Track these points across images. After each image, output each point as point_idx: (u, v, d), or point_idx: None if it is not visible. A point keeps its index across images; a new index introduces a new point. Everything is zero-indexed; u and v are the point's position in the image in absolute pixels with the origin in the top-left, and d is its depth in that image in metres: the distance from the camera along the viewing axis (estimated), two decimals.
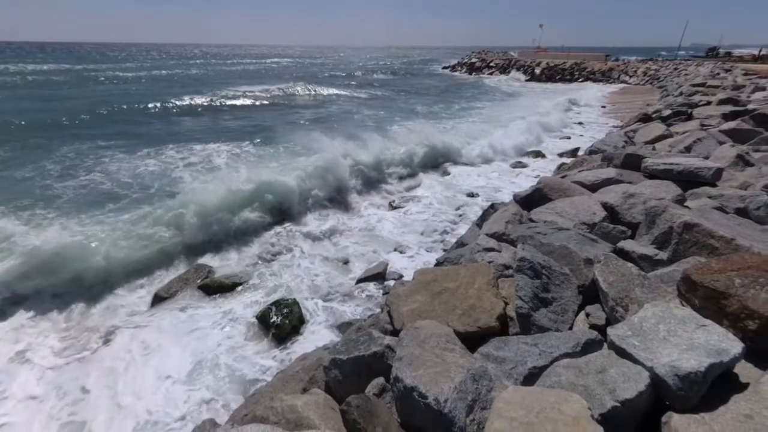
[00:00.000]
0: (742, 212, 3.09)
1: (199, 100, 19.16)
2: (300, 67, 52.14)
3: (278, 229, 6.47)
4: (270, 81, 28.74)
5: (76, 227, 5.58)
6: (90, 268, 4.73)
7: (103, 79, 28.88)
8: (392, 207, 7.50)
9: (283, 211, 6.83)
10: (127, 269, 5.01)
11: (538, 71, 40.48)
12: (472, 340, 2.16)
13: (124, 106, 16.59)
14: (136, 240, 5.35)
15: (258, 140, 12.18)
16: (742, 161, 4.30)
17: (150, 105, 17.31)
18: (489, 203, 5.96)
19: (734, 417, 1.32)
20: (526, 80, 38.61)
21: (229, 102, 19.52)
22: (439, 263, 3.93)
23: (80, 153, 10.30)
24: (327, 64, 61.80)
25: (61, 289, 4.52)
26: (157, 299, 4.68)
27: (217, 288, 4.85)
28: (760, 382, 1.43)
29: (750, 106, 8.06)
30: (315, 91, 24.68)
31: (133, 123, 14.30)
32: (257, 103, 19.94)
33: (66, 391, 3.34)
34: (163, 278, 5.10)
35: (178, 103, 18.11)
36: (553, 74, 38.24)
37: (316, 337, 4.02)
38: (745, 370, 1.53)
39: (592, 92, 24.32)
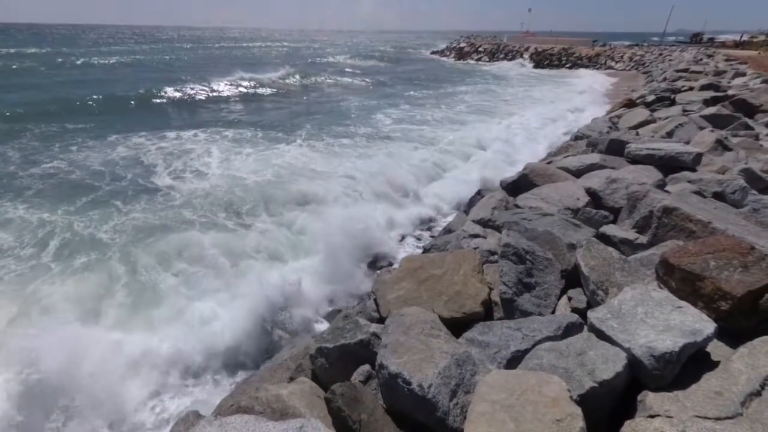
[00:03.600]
0: (719, 196, 3.17)
1: (175, 87, 18.03)
2: (283, 51, 50.54)
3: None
4: (251, 67, 27.69)
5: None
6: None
7: (69, 66, 26.87)
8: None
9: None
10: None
11: (526, 56, 40.29)
12: (457, 326, 2.19)
13: (94, 94, 15.59)
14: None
15: (236, 127, 11.75)
16: (721, 146, 4.39)
17: (122, 93, 16.18)
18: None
19: (705, 394, 1.37)
20: (533, 67, 36.20)
21: (206, 89, 18.56)
22: (426, 250, 3.95)
23: (46, 140, 9.78)
24: (312, 48, 60.21)
25: None
26: None
27: None
28: (730, 360, 1.48)
29: (730, 92, 8.23)
30: (299, 77, 23.99)
31: (103, 112, 13.43)
32: (237, 90, 19.07)
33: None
34: None
35: (153, 90, 17.07)
36: (541, 60, 38.13)
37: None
38: (716, 349, 1.58)
39: (589, 80, 23.06)
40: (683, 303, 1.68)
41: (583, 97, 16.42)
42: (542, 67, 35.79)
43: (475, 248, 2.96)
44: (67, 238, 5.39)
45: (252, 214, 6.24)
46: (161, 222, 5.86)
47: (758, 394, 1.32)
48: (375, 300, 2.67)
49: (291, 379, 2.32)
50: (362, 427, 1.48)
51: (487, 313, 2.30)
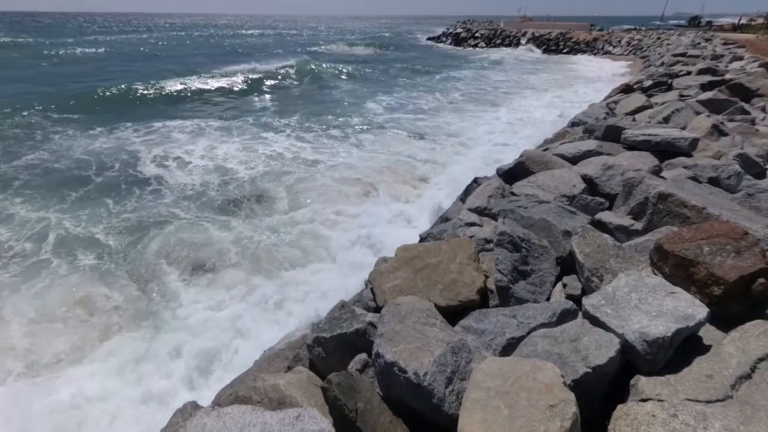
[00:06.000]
0: (714, 181, 3.18)
1: (162, 78, 17.24)
2: (275, 39, 49.42)
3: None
4: (241, 56, 27.10)
5: None
6: None
7: (51, 56, 25.79)
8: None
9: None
10: None
11: (524, 41, 39.75)
12: (453, 314, 2.20)
13: (78, 86, 15.08)
14: None
15: (225, 116, 11.55)
16: (717, 131, 4.38)
17: (106, 84, 15.41)
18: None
19: (696, 378, 1.39)
20: (542, 53, 34.68)
21: (194, 80, 17.83)
22: (422, 239, 3.95)
23: (28, 129, 9.59)
24: (305, 35, 59.10)
25: None
26: None
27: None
28: (722, 344, 1.50)
29: (727, 76, 8.17)
30: (291, 66, 23.42)
31: (87, 104, 12.99)
32: (225, 80, 18.37)
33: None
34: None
35: (139, 81, 16.35)
36: (538, 45, 37.67)
37: None
38: (708, 333, 1.60)
39: (590, 66, 22.09)
40: (676, 289, 1.70)
41: (600, 84, 15.74)
42: (550, 53, 34.42)
43: (471, 236, 2.96)
44: (61, 235, 5.33)
45: (246, 210, 6.17)
46: (155, 220, 5.78)
47: (748, 377, 1.34)
48: (371, 289, 2.68)
49: (288, 369, 2.33)
50: (359, 416, 1.49)
51: (482, 300, 2.31)
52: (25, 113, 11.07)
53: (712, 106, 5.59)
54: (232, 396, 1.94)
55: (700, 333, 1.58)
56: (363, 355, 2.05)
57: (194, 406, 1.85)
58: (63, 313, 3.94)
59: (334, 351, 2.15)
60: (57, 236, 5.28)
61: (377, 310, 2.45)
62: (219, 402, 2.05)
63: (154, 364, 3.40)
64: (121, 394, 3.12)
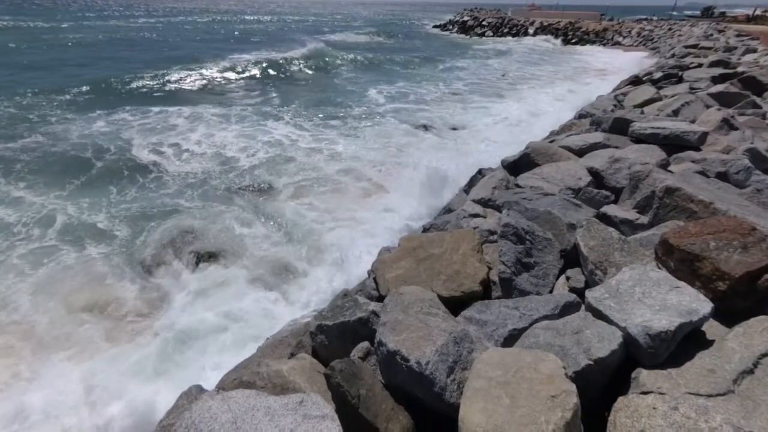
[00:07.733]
0: (722, 176, 3.14)
1: (163, 64, 16.84)
2: (278, 27, 48.52)
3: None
4: (242, 44, 26.57)
5: None
6: None
7: (48, 40, 24.84)
8: None
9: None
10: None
11: (531, 31, 39.02)
12: (455, 304, 2.21)
13: (77, 70, 14.71)
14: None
15: (225, 103, 11.42)
16: (727, 125, 4.30)
17: (106, 72, 15.09)
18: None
19: (698, 372, 1.39)
20: (563, 45, 32.82)
21: (194, 68, 17.28)
22: (425, 229, 3.95)
23: (26, 111, 9.49)
24: (309, 21, 58.16)
25: None
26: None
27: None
28: (725, 339, 1.50)
29: (739, 69, 8.00)
30: (295, 54, 22.96)
31: (86, 89, 12.65)
32: (226, 68, 17.83)
33: None
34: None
35: (139, 67, 16.02)
36: (547, 34, 36.96)
37: None
38: (712, 328, 1.60)
39: (606, 57, 20.93)
40: (681, 283, 1.69)
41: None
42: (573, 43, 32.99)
43: (474, 228, 2.96)
44: (66, 222, 5.34)
45: (249, 201, 6.13)
46: (158, 210, 5.75)
47: (751, 372, 1.34)
48: (374, 279, 2.69)
49: (292, 356, 2.36)
50: (361, 402, 1.51)
51: (485, 292, 2.31)
52: (23, 97, 10.96)
53: (723, 100, 5.49)
54: (236, 381, 1.97)
55: (704, 328, 1.58)
56: (365, 344, 2.07)
57: (199, 390, 1.88)
58: (69, 308, 3.91)
59: (336, 339, 2.17)
60: (63, 223, 5.30)
61: (380, 299, 2.47)
62: (223, 386, 2.09)
63: (162, 357, 3.42)
64: (127, 389, 3.14)
